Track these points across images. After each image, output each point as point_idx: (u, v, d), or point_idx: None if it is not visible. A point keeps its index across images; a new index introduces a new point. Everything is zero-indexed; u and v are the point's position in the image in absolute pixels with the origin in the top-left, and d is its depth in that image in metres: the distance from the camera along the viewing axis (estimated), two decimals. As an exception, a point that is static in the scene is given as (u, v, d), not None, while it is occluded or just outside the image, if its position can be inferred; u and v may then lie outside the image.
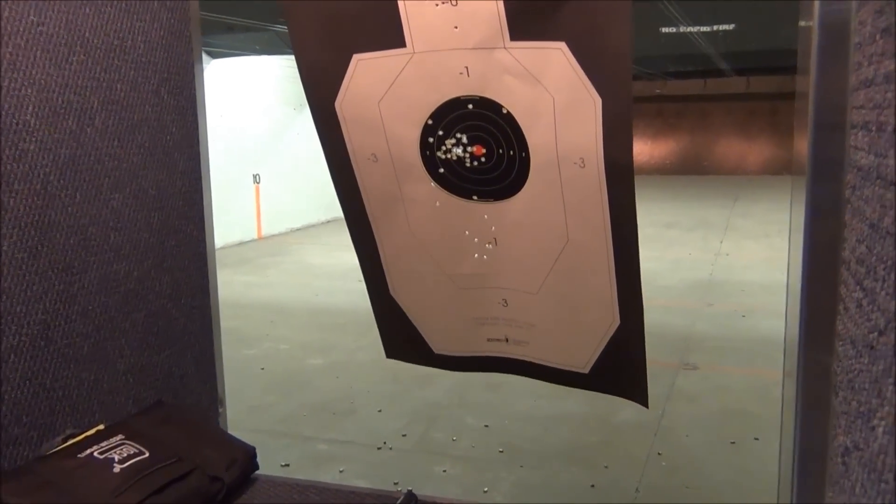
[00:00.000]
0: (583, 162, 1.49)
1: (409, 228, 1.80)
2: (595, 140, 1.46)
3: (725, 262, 6.25)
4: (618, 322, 1.64)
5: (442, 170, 1.69)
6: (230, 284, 5.54)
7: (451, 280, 1.84)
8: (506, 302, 1.80)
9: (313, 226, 9.14)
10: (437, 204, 1.73)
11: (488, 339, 1.88)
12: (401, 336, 1.97)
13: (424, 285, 1.88)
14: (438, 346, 1.95)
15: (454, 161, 1.67)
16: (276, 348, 4.00)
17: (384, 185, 1.77)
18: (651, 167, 17.71)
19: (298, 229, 8.90)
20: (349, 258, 7.07)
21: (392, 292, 1.91)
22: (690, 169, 17.35)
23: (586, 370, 1.75)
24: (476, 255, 1.77)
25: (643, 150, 17.89)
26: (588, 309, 1.68)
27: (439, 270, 1.84)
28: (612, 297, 1.62)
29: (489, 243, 1.74)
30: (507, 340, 1.86)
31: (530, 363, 1.85)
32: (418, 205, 1.76)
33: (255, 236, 8.14)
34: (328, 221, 9.45)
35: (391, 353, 2.01)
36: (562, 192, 1.57)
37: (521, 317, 1.82)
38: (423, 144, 1.68)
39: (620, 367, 1.70)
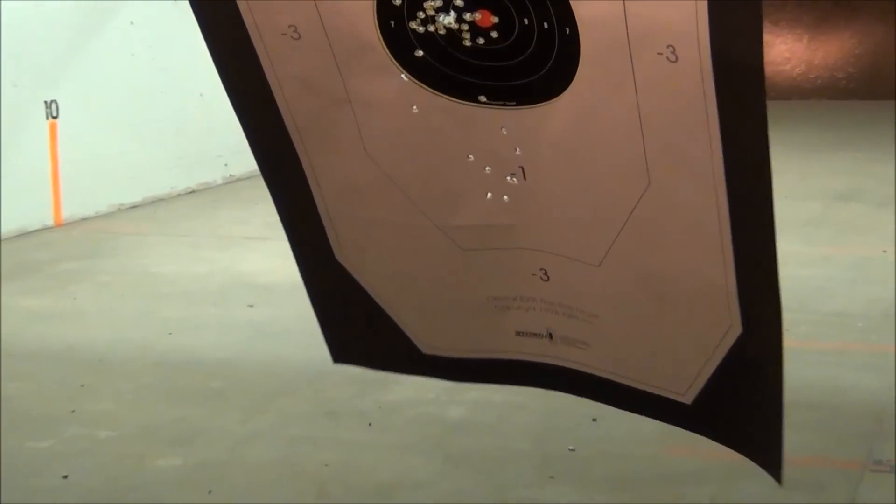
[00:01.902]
0: (673, 52, 1.59)
1: (363, 151, 1.93)
2: (694, 17, 1.53)
3: (950, 266, 6.32)
4: (738, 329, 1.79)
5: (420, 52, 1.80)
6: (3, 312, 5.53)
7: (445, 236, 1.99)
8: (546, 274, 1.97)
9: (162, 199, 9.17)
10: (415, 109, 1.87)
11: (518, 333, 2.06)
12: (359, 326, 2.16)
13: (397, 244, 2.04)
14: (429, 343, 2.13)
15: (442, 38, 1.78)
16: (92, 437, 4.00)
17: (315, 78, 1.88)
18: (808, 87, 17.80)
19: (134, 206, 8.91)
20: (231, 260, 7.20)
21: (339, 256, 2.08)
22: (882, 90, 17.51)
23: (687, 398, 1.90)
24: (489, 196, 1.93)
25: (794, 53, 18.01)
26: (688, 301, 1.83)
27: (424, 220, 1.98)
28: (725, 287, 1.76)
29: (512, 175, 1.89)
30: (550, 337, 2.03)
31: (592, 378, 2.00)
32: (379, 111, 1.90)
33: (51, 221, 8.12)
34: (191, 192, 9.50)
35: (342, 354, 2.24)
36: (636, 101, 1.68)
37: (572, 300, 1.97)
38: (384, 9, 1.78)
39: (740, 404, 1.84)
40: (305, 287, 2.07)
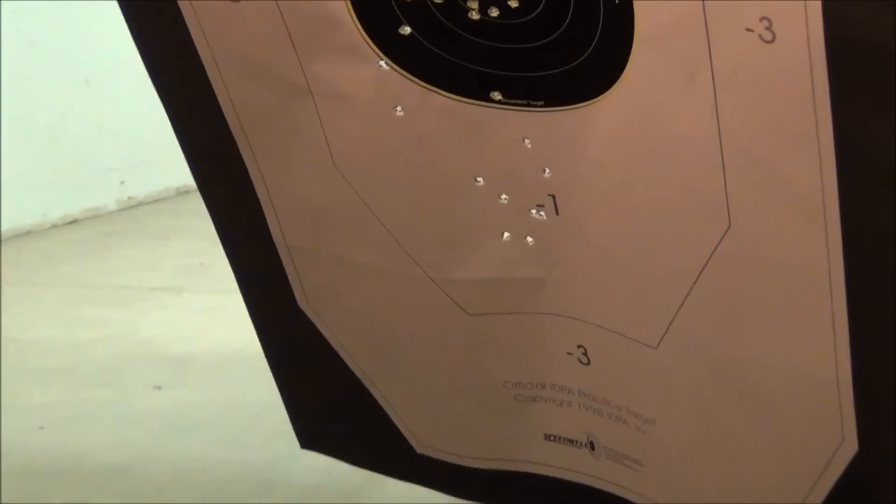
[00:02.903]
0: (769, 27, 1.57)
1: (331, 163, 1.96)
2: None
3: None
4: (853, 447, 1.75)
5: (407, 28, 1.83)
6: None
7: (444, 294, 2.03)
8: (585, 354, 1.98)
9: (31, 233, 9.17)
10: (399, 111, 1.90)
11: (547, 437, 2.07)
12: (332, 402, 2.24)
13: (379, 295, 2.09)
14: (424, 439, 2.17)
15: (439, 8, 1.80)
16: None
17: (262, 58, 1.92)
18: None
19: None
20: (131, 322, 7.24)
21: (302, 302, 2.13)
22: None
23: None
24: (507, 237, 1.97)
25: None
26: (781, 402, 1.81)
27: (413, 268, 2.03)
28: (836, 382, 1.72)
29: (538, 208, 1.93)
30: (591, 448, 2.03)
31: None
32: (351, 111, 1.93)
33: None
34: (72, 222, 9.48)
35: (311, 437, 2.34)
36: (714, 100, 1.67)
37: (621, 396, 1.96)
38: None
39: None
40: (261, 344, 2.16)
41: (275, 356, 2.18)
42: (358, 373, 2.12)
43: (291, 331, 2.10)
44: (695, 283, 1.79)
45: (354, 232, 1.99)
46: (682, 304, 1.82)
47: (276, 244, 2.04)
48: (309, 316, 2.07)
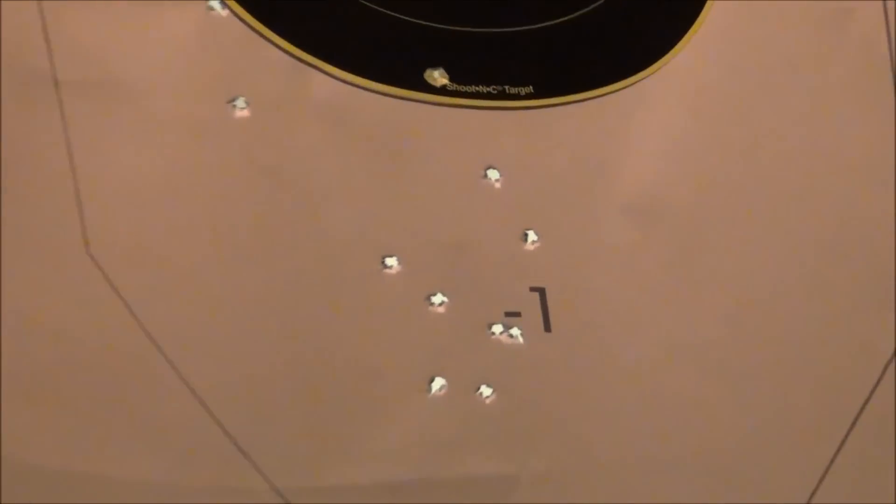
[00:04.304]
0: None
1: (82, 248, 1.54)
2: None
3: None
4: None
5: None
6: None
7: None
8: None
9: None
10: (240, 108, 1.64)
11: None
12: None
13: None
14: None
15: None
16: None
17: None
18: None
19: None
20: None
21: None
22: None
23: None
24: (440, 386, 1.66)
25: None
26: None
27: (253, 480, 1.60)
28: None
29: (505, 319, 1.61)
30: None
31: None
32: (140, 116, 1.61)
33: None
34: None
35: None
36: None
37: None
38: None
39: None
40: None
41: None
42: None
43: None
44: (838, 450, 1.44)
45: (127, 404, 1.39)
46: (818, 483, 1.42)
47: None
48: None
